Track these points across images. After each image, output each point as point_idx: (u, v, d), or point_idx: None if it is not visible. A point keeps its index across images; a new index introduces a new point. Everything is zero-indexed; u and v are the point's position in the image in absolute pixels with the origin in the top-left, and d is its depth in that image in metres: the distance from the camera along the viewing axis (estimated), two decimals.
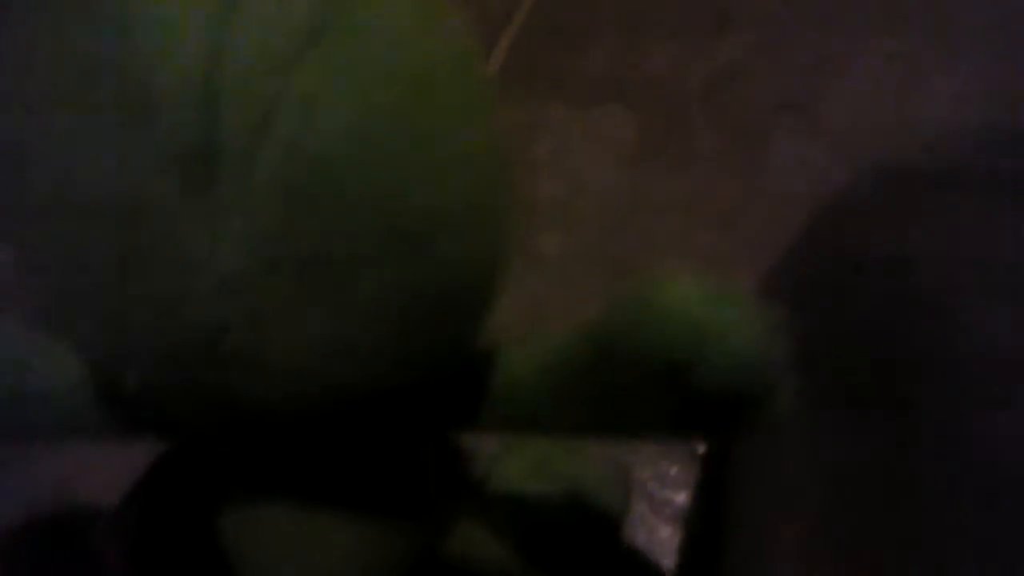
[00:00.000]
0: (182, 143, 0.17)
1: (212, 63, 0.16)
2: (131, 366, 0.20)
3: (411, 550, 0.28)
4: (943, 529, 0.23)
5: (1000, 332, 0.25)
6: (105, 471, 0.44)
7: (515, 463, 0.37)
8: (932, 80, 0.57)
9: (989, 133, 0.35)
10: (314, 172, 0.17)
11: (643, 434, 0.27)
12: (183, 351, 0.19)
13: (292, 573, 0.26)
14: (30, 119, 0.18)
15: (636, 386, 0.22)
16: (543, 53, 0.60)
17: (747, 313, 0.21)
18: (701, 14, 0.61)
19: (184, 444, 0.26)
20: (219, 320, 0.18)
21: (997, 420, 0.23)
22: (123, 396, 0.23)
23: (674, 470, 0.45)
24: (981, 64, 0.57)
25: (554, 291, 0.50)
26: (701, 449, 0.45)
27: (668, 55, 0.59)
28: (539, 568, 0.33)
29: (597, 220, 0.53)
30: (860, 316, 0.30)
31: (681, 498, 0.44)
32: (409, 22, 0.19)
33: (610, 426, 0.25)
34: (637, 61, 0.59)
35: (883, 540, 0.24)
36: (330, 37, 0.17)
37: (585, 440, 0.38)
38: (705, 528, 0.40)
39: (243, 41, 0.17)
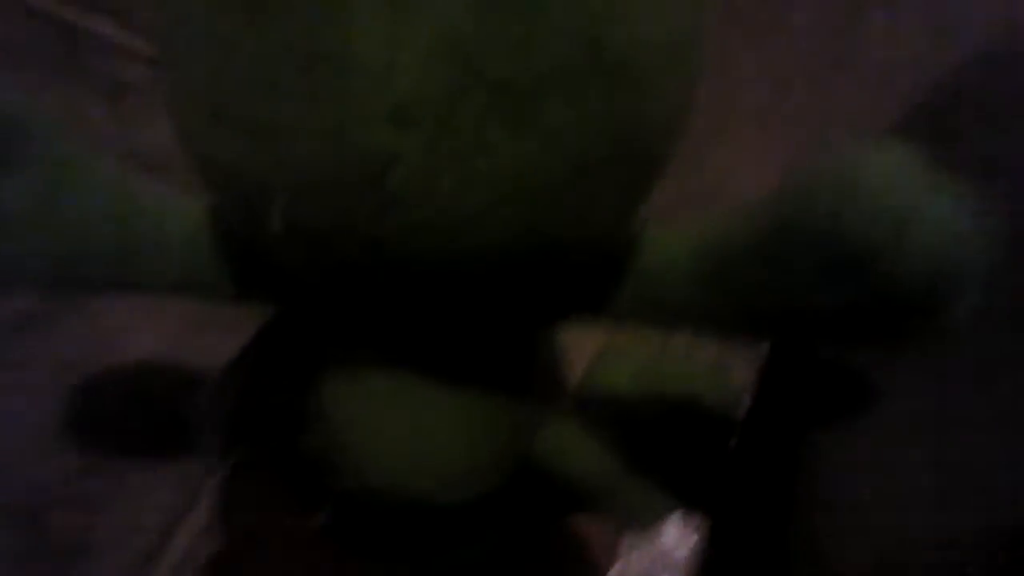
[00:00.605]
0: None
1: None
2: (279, 200, 0.17)
3: (512, 437, 0.26)
4: None
5: None
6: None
7: (618, 363, 0.35)
8: None
9: None
10: None
11: (797, 336, 0.24)
12: (343, 182, 0.16)
13: (392, 446, 0.25)
14: None
15: (809, 276, 0.19)
16: None
17: (956, 205, 0.18)
18: None
19: (291, 311, 0.24)
20: (389, 147, 0.16)
21: None
22: (256, 244, 0.20)
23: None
24: None
25: None
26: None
27: None
28: (637, 473, 0.31)
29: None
30: None
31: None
32: None
33: (763, 325, 0.22)
34: None
35: None
36: None
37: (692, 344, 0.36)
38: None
39: None
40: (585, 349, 0.38)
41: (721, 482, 0.36)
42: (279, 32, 0.15)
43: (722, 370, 0.38)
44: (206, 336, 0.40)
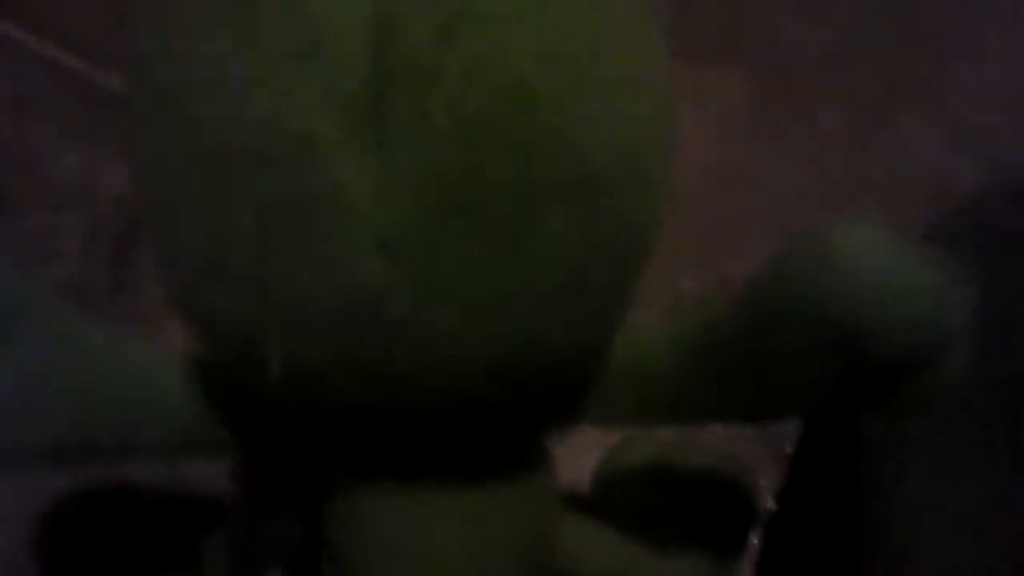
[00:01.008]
0: (351, 76, 0.15)
1: None
2: (277, 345, 0.18)
3: (525, 549, 0.26)
4: None
5: None
6: None
7: (630, 457, 0.36)
8: None
9: None
10: (499, 99, 0.16)
11: (787, 414, 0.25)
12: (339, 320, 0.17)
13: (407, 566, 0.24)
14: (192, 52, 0.17)
15: (796, 355, 0.19)
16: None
17: (932, 272, 0.18)
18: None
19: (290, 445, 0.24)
20: (380, 279, 0.16)
21: None
22: (255, 391, 0.21)
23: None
24: None
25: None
26: (789, 448, 0.44)
27: (792, 25, 0.56)
28: (656, 561, 0.31)
29: (699, 192, 0.51)
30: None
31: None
32: None
33: (753, 408, 0.23)
34: (759, 28, 0.56)
35: None
36: None
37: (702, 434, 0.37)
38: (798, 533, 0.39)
39: None
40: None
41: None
42: (268, 180, 0.16)
43: (736, 456, 0.39)
44: None
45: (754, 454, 0.44)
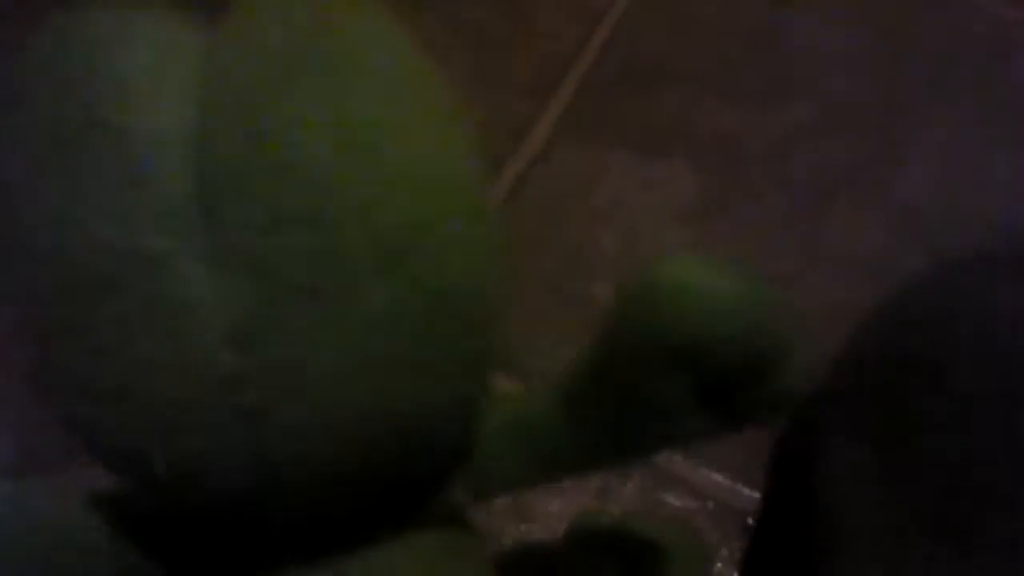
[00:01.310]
0: (176, 191, 0.17)
1: (201, 104, 0.17)
2: (157, 446, 0.19)
3: None
4: None
5: None
6: None
7: (582, 538, 0.37)
8: (1002, 160, 0.56)
9: None
10: (302, 192, 0.17)
11: (667, 445, 0.27)
12: (204, 414, 0.18)
13: None
14: (27, 169, 0.18)
15: (652, 382, 0.22)
16: (610, 98, 0.59)
17: (756, 285, 0.21)
18: (769, 79, 0.60)
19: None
20: (234, 372, 0.18)
21: None
22: (152, 499, 0.22)
23: (729, 546, 0.44)
24: None
25: None
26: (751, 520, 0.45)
27: (734, 116, 0.59)
28: None
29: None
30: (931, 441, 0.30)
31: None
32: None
33: (634, 442, 0.25)
34: (702, 119, 0.58)
35: None
36: (312, 69, 0.18)
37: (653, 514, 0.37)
38: None
39: (230, 78, 0.17)
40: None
41: None
42: (118, 299, 0.17)
43: (689, 532, 0.40)
44: None
45: (717, 526, 0.45)
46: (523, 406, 0.26)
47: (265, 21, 0.18)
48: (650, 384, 0.22)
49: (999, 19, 0.62)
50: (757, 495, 0.46)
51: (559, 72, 0.60)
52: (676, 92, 0.59)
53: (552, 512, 0.46)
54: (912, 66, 0.60)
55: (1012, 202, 0.55)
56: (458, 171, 0.21)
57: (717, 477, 0.46)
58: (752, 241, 0.54)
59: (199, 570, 0.23)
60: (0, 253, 0.19)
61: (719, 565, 0.44)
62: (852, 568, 0.31)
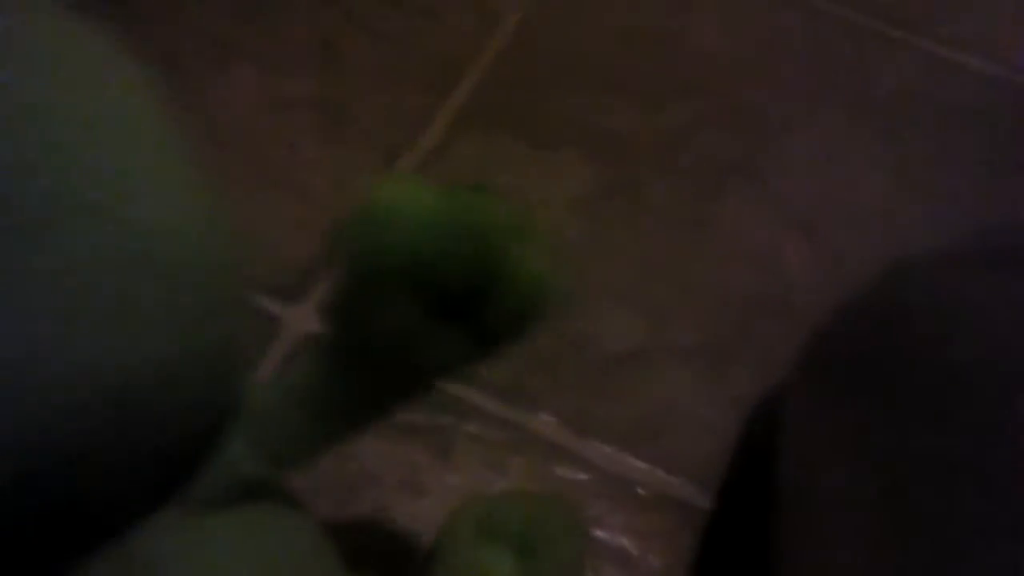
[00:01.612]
0: None
1: None
2: None
3: None
4: None
5: None
6: None
7: (460, 525, 0.37)
8: (877, 150, 0.60)
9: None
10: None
11: (437, 376, 0.27)
12: None
13: None
14: None
15: (388, 312, 0.23)
16: (508, 95, 0.61)
17: (461, 198, 0.23)
18: (663, 79, 0.63)
19: None
20: None
21: None
22: None
23: (618, 516, 0.45)
24: (918, 148, 0.60)
25: None
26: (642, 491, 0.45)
27: (628, 114, 0.61)
28: None
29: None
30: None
31: (624, 542, 0.44)
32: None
33: (399, 379, 0.25)
34: (597, 116, 0.60)
35: None
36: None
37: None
38: None
39: None
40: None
41: None
42: None
43: (567, 508, 0.40)
44: None
45: (606, 495, 0.45)
46: (294, 372, 0.26)
47: None
48: (387, 314, 0.22)
49: (870, 31, 0.66)
50: (644, 465, 0.47)
51: (458, 69, 0.62)
52: (573, 90, 0.61)
53: (448, 485, 0.46)
54: (793, 68, 0.64)
55: (885, 190, 0.58)
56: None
57: (606, 449, 0.47)
58: (641, 227, 0.56)
59: None
60: None
61: (603, 533, 0.44)
62: (822, 552, 0.31)
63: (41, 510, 0.18)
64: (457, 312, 0.23)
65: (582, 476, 0.46)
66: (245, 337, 0.24)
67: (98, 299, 0.18)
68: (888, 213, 0.58)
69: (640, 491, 0.46)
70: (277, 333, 0.50)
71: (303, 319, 0.51)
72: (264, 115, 0.58)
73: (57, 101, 0.18)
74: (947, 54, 0.66)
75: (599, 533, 0.44)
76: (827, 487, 0.32)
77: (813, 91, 0.63)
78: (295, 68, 0.61)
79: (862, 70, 0.64)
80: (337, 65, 0.61)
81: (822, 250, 0.56)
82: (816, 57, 0.65)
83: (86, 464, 0.18)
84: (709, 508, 0.45)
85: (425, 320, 0.23)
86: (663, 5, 0.66)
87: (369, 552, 0.44)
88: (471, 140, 0.59)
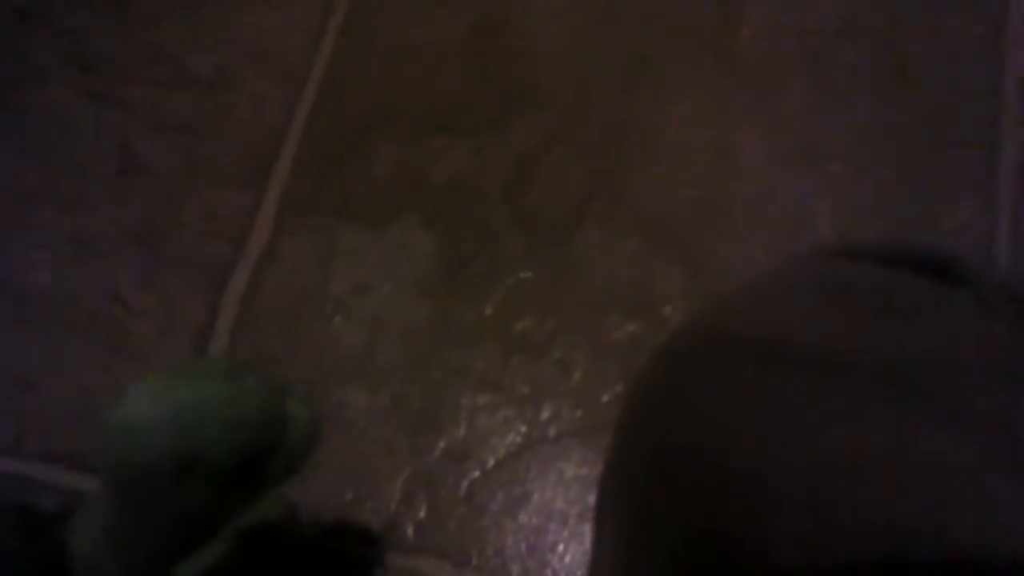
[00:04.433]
0: None
1: None
2: None
3: None
4: None
5: None
6: None
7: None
8: (747, 141, 0.53)
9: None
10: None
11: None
12: None
13: None
14: None
15: (159, 495, 0.29)
16: (328, 169, 0.54)
17: (185, 398, 0.29)
18: (485, 106, 0.55)
19: None
20: None
21: None
22: None
23: None
24: (799, 142, 0.53)
25: (366, 452, 0.47)
26: None
27: (461, 151, 0.54)
28: None
29: (403, 367, 0.49)
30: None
31: None
32: None
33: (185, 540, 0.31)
34: (427, 164, 0.54)
35: None
36: None
37: None
38: None
39: None
40: None
41: None
42: None
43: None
44: None
45: None
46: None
47: None
48: (159, 497, 0.29)
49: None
50: None
51: (271, 150, 0.55)
52: (395, 140, 0.55)
53: None
54: (646, 47, 0.56)
55: (759, 188, 0.51)
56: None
57: None
58: (497, 293, 0.50)
59: None
60: None
61: None
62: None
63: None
64: (231, 478, 0.30)
65: None
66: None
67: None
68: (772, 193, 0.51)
69: None
70: None
71: None
72: (77, 265, 0.53)
73: None
74: None
75: None
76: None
77: (669, 80, 0.55)
78: (98, 197, 0.55)
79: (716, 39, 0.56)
80: (143, 178, 0.55)
81: (699, 280, 0.50)
82: (659, 44, 0.56)
83: None
84: None
85: (205, 493, 0.29)
86: (480, 11, 0.58)
87: None
88: (301, 234, 0.53)
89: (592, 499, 0.45)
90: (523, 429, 0.47)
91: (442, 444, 0.47)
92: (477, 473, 0.46)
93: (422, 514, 0.46)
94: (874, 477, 0.22)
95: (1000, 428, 0.23)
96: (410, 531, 0.45)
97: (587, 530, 0.45)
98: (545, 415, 0.47)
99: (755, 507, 0.23)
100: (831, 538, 0.22)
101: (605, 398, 0.47)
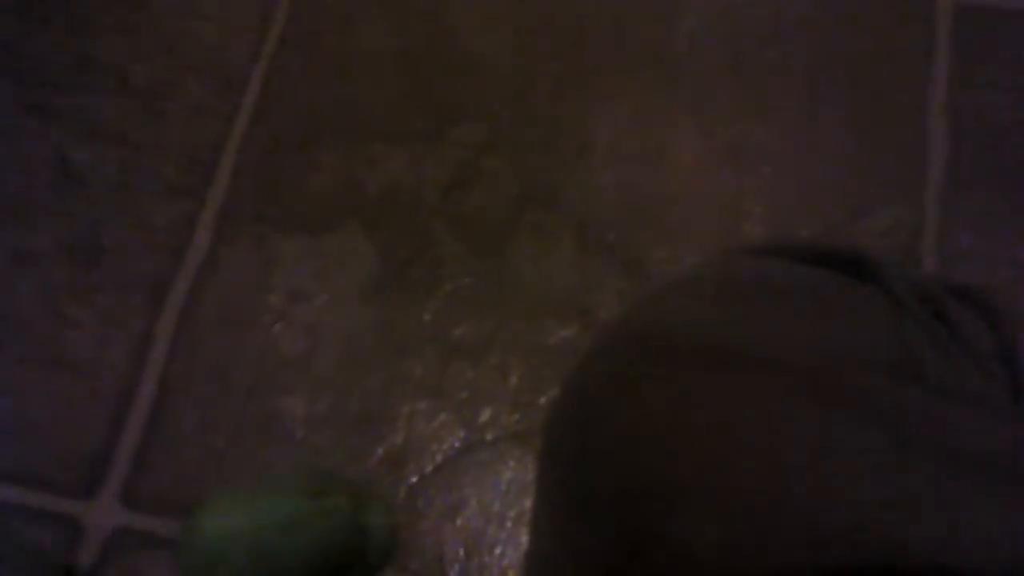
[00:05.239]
0: None
1: None
2: None
3: None
4: None
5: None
6: None
7: None
8: (683, 141, 0.54)
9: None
10: None
11: None
12: None
13: None
14: None
15: None
16: (267, 178, 0.54)
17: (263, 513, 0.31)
18: (423, 114, 0.56)
19: None
20: None
21: None
22: None
23: None
24: (733, 134, 0.54)
25: (305, 460, 0.47)
26: None
27: (401, 160, 0.54)
28: None
29: (342, 374, 0.49)
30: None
31: None
32: None
33: None
34: (368, 173, 0.54)
35: None
36: None
37: None
38: None
39: None
40: None
41: None
42: None
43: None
44: None
45: None
46: None
47: None
48: None
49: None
50: None
51: (210, 159, 0.55)
52: (334, 149, 0.55)
53: None
54: (582, 52, 0.56)
55: (691, 190, 0.52)
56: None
57: None
58: (436, 300, 0.51)
59: None
60: None
61: None
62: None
63: None
64: None
65: None
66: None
67: None
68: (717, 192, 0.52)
69: None
70: (81, 537, 0.47)
71: (106, 513, 0.47)
72: (12, 279, 0.53)
73: None
74: None
75: None
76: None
77: (604, 76, 0.56)
78: (34, 208, 0.54)
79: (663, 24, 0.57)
80: (79, 188, 0.55)
81: (633, 282, 0.51)
82: (601, 32, 0.57)
83: None
84: None
85: None
86: (417, 19, 0.58)
87: None
88: (240, 243, 0.53)
89: (529, 502, 0.46)
90: (461, 433, 0.48)
91: (380, 451, 0.47)
92: (415, 479, 0.47)
93: None
94: (796, 476, 0.23)
95: (901, 419, 0.23)
96: None
97: (524, 532, 0.45)
98: (483, 419, 0.48)
99: (678, 510, 0.24)
100: (752, 543, 0.22)
101: (542, 401, 0.48)
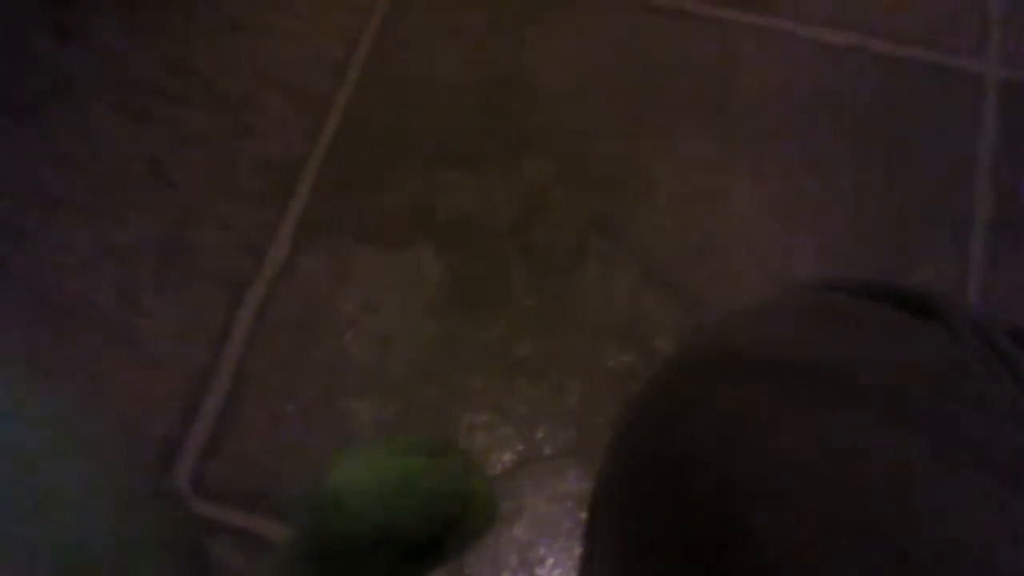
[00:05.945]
0: None
1: None
2: None
3: None
4: None
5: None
6: None
7: None
8: (742, 187, 0.57)
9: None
10: None
11: None
12: None
13: None
14: None
15: (355, 561, 0.31)
16: (345, 194, 0.57)
17: (392, 475, 0.31)
18: (497, 145, 0.59)
19: None
20: None
21: None
22: None
23: None
24: (791, 188, 0.57)
25: None
26: None
27: (475, 189, 0.57)
28: None
29: (408, 383, 0.52)
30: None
31: None
32: None
33: None
34: (442, 197, 0.57)
35: None
36: None
37: None
38: None
39: None
40: None
41: None
42: None
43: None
44: None
45: None
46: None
47: None
48: (354, 562, 0.30)
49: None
50: None
51: (292, 172, 0.58)
52: (410, 171, 0.58)
53: None
54: (650, 97, 0.60)
55: (748, 234, 0.55)
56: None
57: None
58: (501, 320, 0.53)
59: None
60: None
61: None
62: None
63: None
64: (418, 549, 0.32)
65: None
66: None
67: None
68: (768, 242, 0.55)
69: None
70: None
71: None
72: (98, 269, 0.56)
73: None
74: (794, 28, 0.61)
75: None
76: None
77: (675, 118, 0.59)
78: (124, 206, 0.57)
79: (722, 78, 0.60)
80: (168, 191, 0.58)
81: (690, 315, 0.53)
82: (673, 78, 0.61)
83: None
84: None
85: (393, 563, 0.31)
86: (494, 55, 0.62)
87: None
88: (317, 252, 0.56)
89: (582, 516, 0.48)
90: (519, 447, 0.50)
91: None
92: None
93: None
94: (875, 484, 0.23)
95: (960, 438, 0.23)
96: None
97: (576, 546, 0.47)
98: (540, 434, 0.50)
99: (750, 512, 0.25)
100: (822, 538, 0.23)
101: (598, 421, 0.50)
